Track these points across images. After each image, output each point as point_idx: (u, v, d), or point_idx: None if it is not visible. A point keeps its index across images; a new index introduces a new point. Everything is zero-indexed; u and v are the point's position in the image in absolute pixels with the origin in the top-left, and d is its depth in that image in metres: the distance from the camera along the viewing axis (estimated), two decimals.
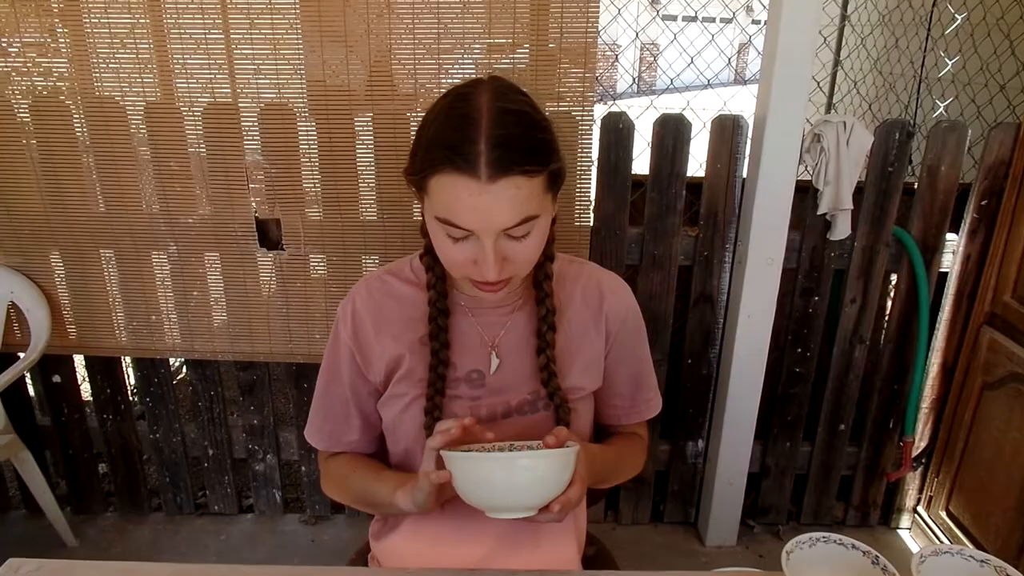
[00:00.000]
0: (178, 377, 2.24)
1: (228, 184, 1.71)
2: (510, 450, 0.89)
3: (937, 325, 1.96)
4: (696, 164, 1.85)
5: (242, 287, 1.80)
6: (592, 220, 1.77)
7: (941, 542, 1.98)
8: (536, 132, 0.83)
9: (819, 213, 1.80)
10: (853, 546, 0.87)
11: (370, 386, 1.00)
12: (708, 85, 2.39)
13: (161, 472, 2.10)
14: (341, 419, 1.03)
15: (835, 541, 0.88)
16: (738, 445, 1.97)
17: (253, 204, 1.73)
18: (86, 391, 2.05)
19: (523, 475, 0.79)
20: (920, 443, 2.06)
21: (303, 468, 2.09)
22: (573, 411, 0.98)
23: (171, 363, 2.00)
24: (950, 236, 1.90)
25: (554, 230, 0.96)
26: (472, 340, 0.97)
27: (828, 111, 3.73)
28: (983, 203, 1.84)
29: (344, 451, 1.06)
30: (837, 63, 3.58)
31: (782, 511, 2.15)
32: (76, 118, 1.66)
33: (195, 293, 1.82)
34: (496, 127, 0.80)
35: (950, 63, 2.82)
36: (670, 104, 1.85)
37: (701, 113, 1.90)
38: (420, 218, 0.94)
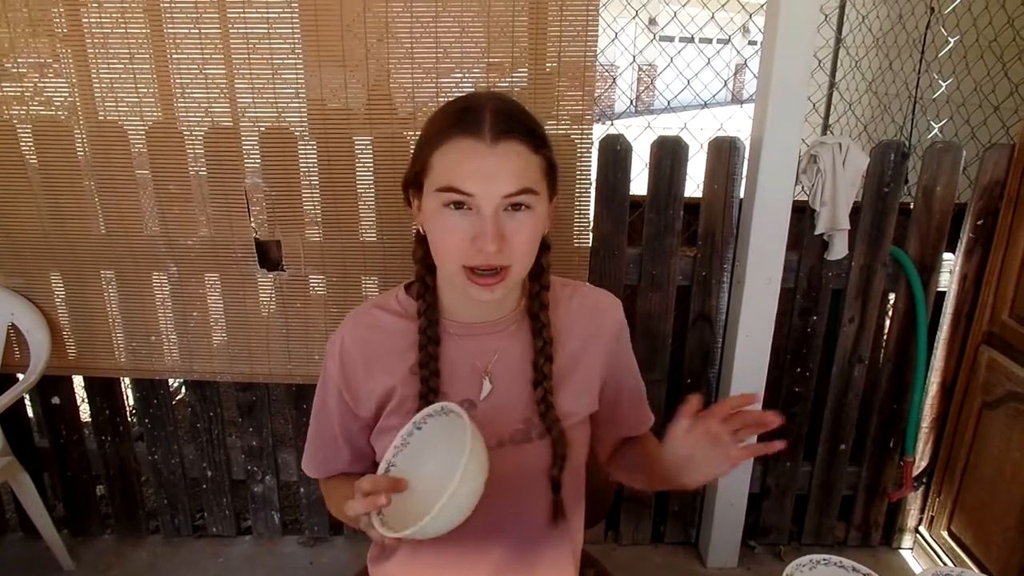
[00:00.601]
0: (177, 398, 2.23)
1: (228, 206, 1.72)
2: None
3: (935, 344, 1.97)
4: (693, 185, 1.87)
5: (242, 308, 1.81)
6: (591, 240, 1.78)
7: (943, 562, 1.96)
8: (532, 120, 0.88)
9: (816, 233, 1.81)
10: (854, 569, 0.87)
11: (360, 421, 1.00)
12: (705, 105, 2.42)
13: (159, 494, 2.08)
14: (331, 450, 1.03)
15: (836, 564, 0.88)
16: (738, 465, 1.96)
17: (253, 226, 1.74)
18: (85, 413, 2.04)
19: (449, 511, 0.78)
20: (921, 462, 2.05)
21: (302, 489, 2.08)
22: (568, 443, 0.97)
23: (170, 384, 2.00)
24: (947, 256, 1.91)
25: (549, 258, 0.97)
26: (462, 368, 0.96)
27: (824, 132, 3.76)
28: (979, 223, 1.86)
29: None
30: (832, 85, 3.62)
31: (783, 531, 2.14)
32: (78, 140, 1.67)
33: (195, 314, 1.82)
34: (498, 102, 0.86)
35: (944, 85, 2.86)
36: (667, 124, 1.87)
37: (698, 133, 1.92)
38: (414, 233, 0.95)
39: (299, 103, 1.64)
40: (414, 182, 0.91)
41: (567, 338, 0.99)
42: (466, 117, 0.84)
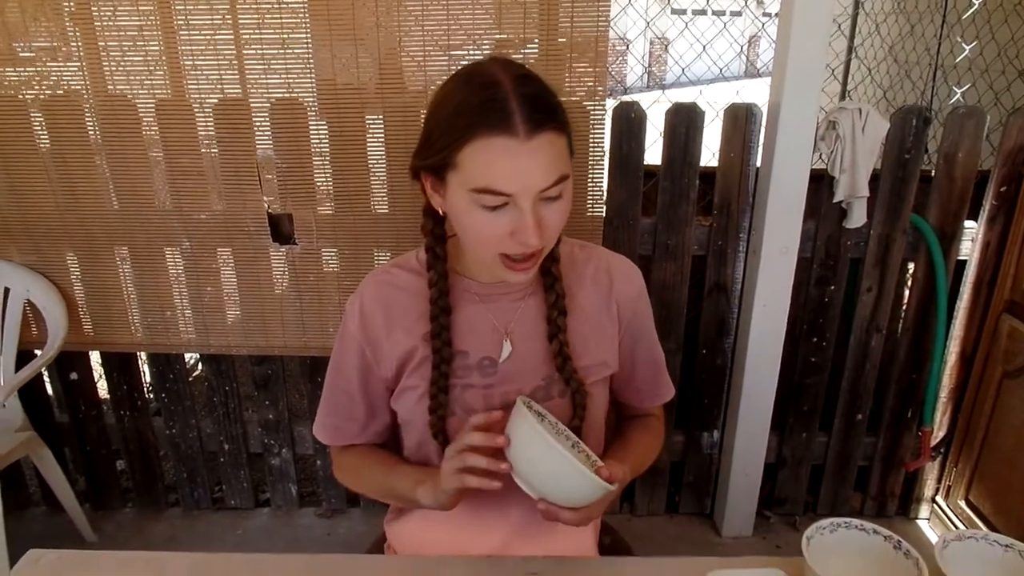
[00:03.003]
0: (193, 374, 2.25)
1: (240, 180, 1.71)
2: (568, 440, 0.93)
3: (955, 313, 1.94)
4: (709, 153, 1.84)
5: (255, 282, 1.81)
6: (605, 210, 1.76)
7: None
8: (554, 96, 0.83)
9: (835, 201, 1.78)
10: (875, 531, 0.86)
11: (381, 379, 0.99)
12: (721, 74, 2.37)
13: (178, 468, 2.11)
14: (345, 414, 1.03)
15: (856, 527, 0.87)
16: (754, 435, 1.96)
17: (265, 200, 1.74)
18: (103, 388, 2.06)
19: (569, 481, 0.78)
20: (939, 433, 2.03)
21: (318, 462, 2.10)
22: (589, 395, 0.97)
23: (186, 359, 2.01)
24: (968, 223, 1.87)
25: None
26: (483, 327, 0.96)
27: (842, 99, 3.69)
28: (1002, 189, 1.82)
29: (352, 443, 1.05)
30: (851, 50, 3.54)
31: (799, 502, 2.14)
32: (88, 117, 1.67)
33: (209, 288, 1.82)
34: (520, 87, 0.79)
35: (967, 49, 2.79)
36: (680, 97, 1.83)
37: (712, 106, 1.88)
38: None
39: (309, 74, 1.62)
40: (431, 169, 0.85)
41: (583, 297, 0.99)
42: (493, 109, 0.78)
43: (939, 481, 2.08)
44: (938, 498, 2.09)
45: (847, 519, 0.88)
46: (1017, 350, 1.77)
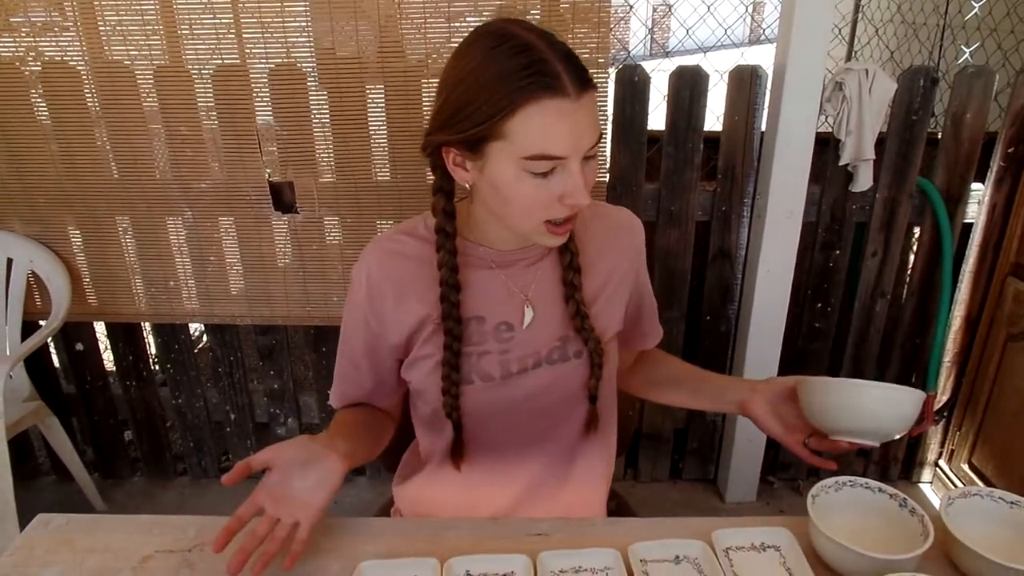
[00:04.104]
0: (199, 345, 2.25)
1: (240, 148, 1.70)
2: None
3: (960, 278, 1.93)
4: (713, 118, 1.81)
5: (258, 251, 1.80)
6: (607, 176, 1.75)
7: None
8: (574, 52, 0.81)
9: (840, 164, 1.77)
10: (880, 489, 0.86)
11: (388, 350, 0.98)
12: (726, 35, 2.33)
13: (185, 437, 2.12)
14: (352, 381, 1.02)
15: (862, 485, 0.87)
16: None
17: (266, 168, 1.72)
18: (108, 359, 2.07)
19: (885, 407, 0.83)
20: (942, 397, 2.04)
21: (324, 432, 2.10)
22: (604, 352, 0.97)
23: (191, 329, 2.01)
24: (975, 186, 1.86)
25: None
26: (500, 293, 0.94)
27: (848, 60, 3.64)
28: (1010, 151, 1.79)
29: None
30: (858, 9, 3.48)
31: (802, 467, 2.15)
32: (87, 86, 1.65)
33: (211, 258, 1.82)
34: (553, 46, 0.77)
35: (976, 7, 2.73)
36: (683, 64, 1.80)
37: (716, 70, 1.85)
38: (432, 178, 0.91)
39: (307, 40, 1.60)
40: (465, 143, 0.81)
41: (595, 257, 0.98)
42: (542, 72, 0.74)
43: (942, 445, 2.09)
44: (941, 462, 2.10)
45: (852, 477, 0.88)
46: (1022, 313, 1.76)
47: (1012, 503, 0.84)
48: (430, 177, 0.91)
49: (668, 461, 2.14)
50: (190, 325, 1.99)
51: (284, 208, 1.77)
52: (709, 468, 2.14)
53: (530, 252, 0.95)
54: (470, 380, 0.93)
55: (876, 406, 0.83)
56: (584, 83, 0.77)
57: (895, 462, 2.13)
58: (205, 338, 2.13)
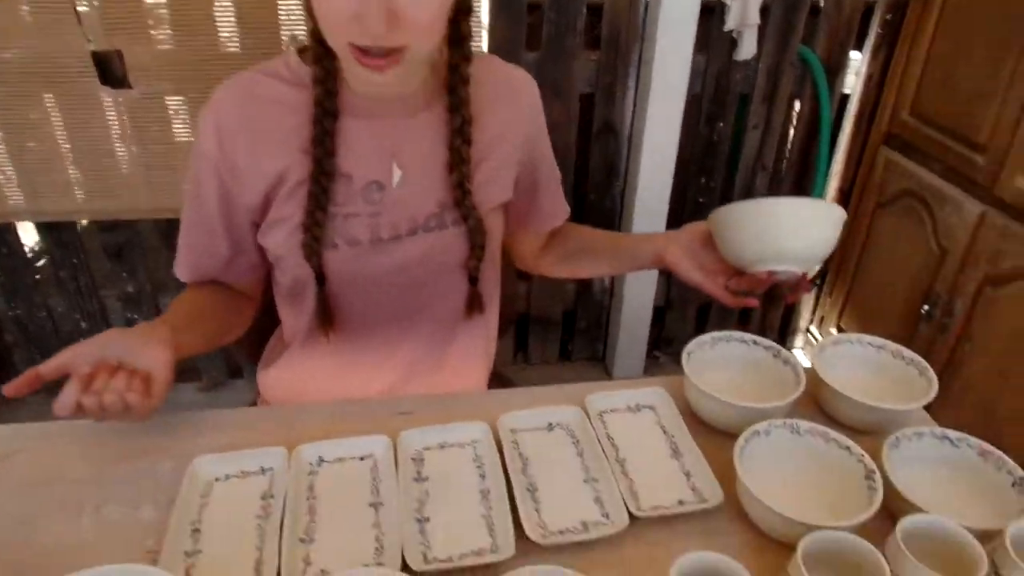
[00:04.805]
0: (32, 248, 2.00)
1: (51, 5, 1.43)
2: None
3: (836, 150, 1.96)
4: None
5: (88, 133, 1.57)
6: (485, 44, 1.61)
7: None
8: None
9: (726, 29, 1.70)
10: (755, 342, 0.84)
11: (244, 208, 0.86)
12: None
13: (31, 351, 1.91)
14: (206, 249, 0.89)
15: (737, 339, 0.85)
16: (643, 280, 1.96)
17: (86, 34, 1.47)
18: None
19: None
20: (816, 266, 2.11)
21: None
22: (487, 231, 0.89)
23: (17, 229, 1.76)
24: (854, 55, 1.85)
25: (469, 24, 0.81)
26: (367, 148, 0.83)
27: None
28: (887, 17, 1.79)
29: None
30: None
31: (686, 341, 2.18)
32: None
33: (32, 144, 1.57)
34: None
35: None
36: None
37: None
38: (287, 44, 0.76)
39: None
40: None
41: (482, 118, 0.87)
42: None
43: (813, 312, 2.19)
44: (811, 327, 2.20)
45: (728, 332, 0.86)
46: (891, 180, 1.81)
47: (879, 347, 0.84)
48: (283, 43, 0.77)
49: (558, 342, 2.14)
50: (17, 225, 1.74)
51: (114, 83, 1.53)
52: (598, 347, 2.16)
53: (407, 103, 0.83)
54: (334, 244, 0.83)
55: (792, 222, 0.75)
56: None
57: (771, 331, 2.22)
58: (38, 239, 1.89)
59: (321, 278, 0.85)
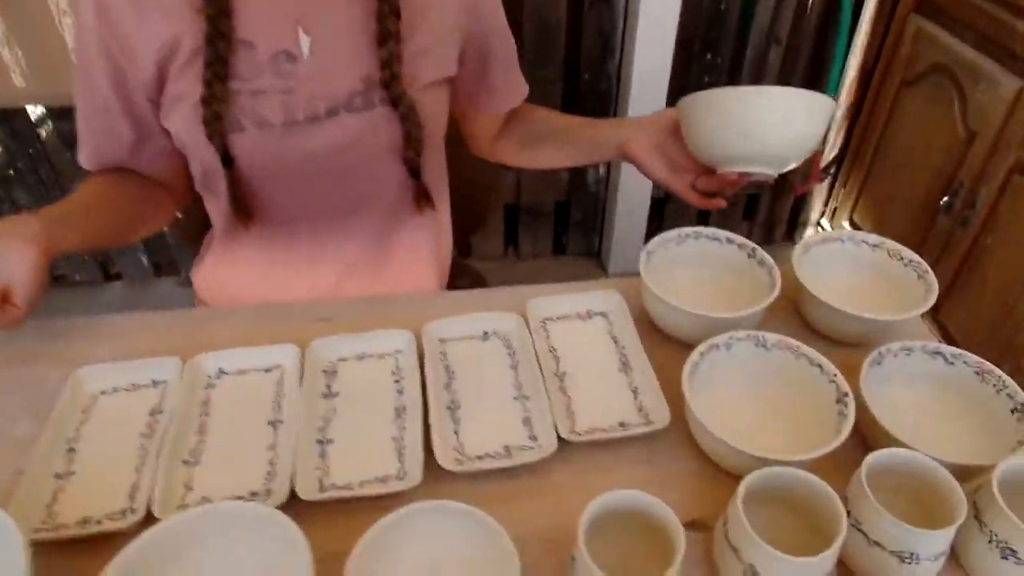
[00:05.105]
0: None
1: None
2: None
3: (860, 21, 1.74)
4: None
5: (25, 9, 1.41)
6: None
7: None
8: None
9: None
10: (728, 239, 0.73)
11: (140, 84, 0.74)
12: None
13: None
14: (105, 133, 0.78)
15: (707, 236, 0.74)
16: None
17: None
18: None
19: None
20: (830, 154, 1.94)
21: (165, 229, 1.86)
22: (418, 103, 0.76)
23: None
24: None
25: None
26: (268, 10, 0.71)
27: None
28: None
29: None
30: None
31: None
32: None
33: None
34: None
35: None
36: None
37: None
38: None
39: None
40: None
41: None
42: None
43: (825, 204, 2.04)
44: (823, 220, 2.06)
45: (698, 228, 0.74)
46: (921, 53, 1.61)
47: (875, 245, 0.72)
48: None
49: (551, 235, 2.03)
50: None
51: None
52: (593, 240, 2.05)
53: None
54: (240, 127, 0.72)
55: (767, 115, 0.63)
56: None
57: (780, 223, 2.09)
58: None
59: (229, 161, 0.74)
